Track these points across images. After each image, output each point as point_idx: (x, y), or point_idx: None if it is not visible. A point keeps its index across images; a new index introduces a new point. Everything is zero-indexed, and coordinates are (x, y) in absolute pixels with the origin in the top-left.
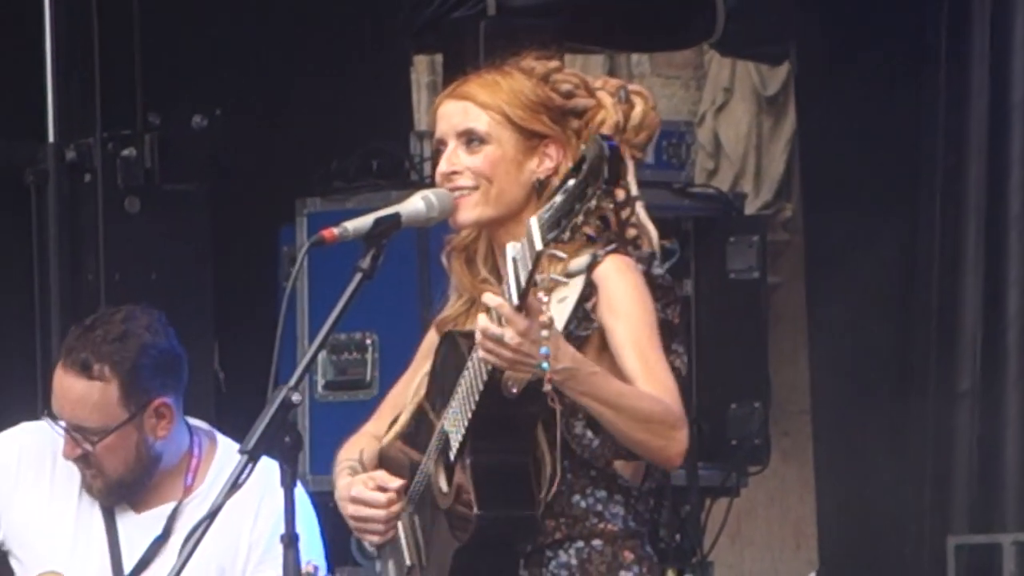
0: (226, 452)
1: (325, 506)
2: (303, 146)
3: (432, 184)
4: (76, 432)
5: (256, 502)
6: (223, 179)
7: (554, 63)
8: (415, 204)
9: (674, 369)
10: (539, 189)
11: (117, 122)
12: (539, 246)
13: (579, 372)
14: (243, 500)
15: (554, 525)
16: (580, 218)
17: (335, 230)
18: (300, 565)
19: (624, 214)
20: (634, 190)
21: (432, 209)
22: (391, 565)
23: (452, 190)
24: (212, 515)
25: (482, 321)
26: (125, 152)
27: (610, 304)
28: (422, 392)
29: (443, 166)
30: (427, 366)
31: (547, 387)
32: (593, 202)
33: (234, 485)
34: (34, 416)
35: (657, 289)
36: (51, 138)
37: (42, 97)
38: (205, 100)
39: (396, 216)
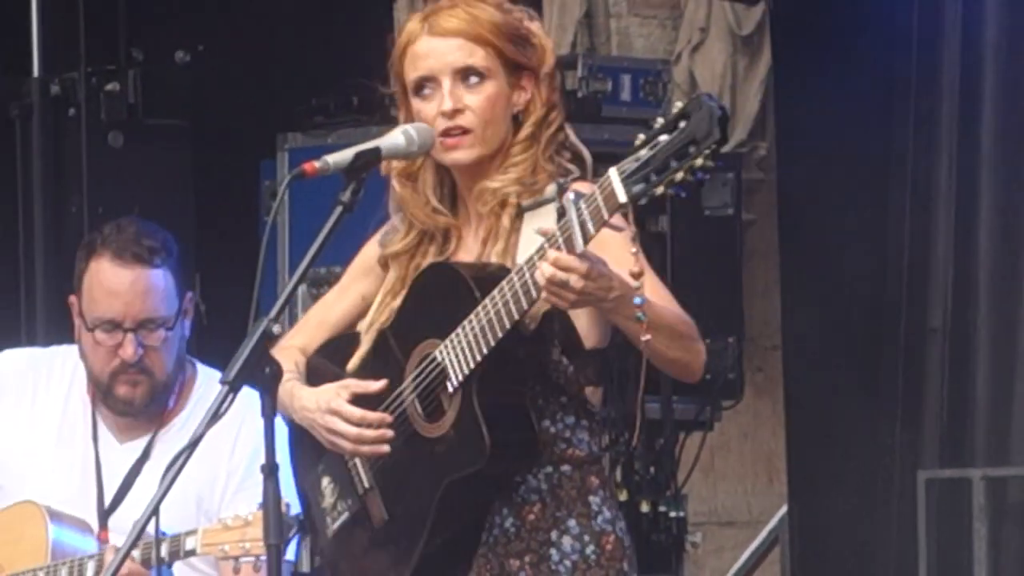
0: (206, 381)
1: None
2: (285, 81)
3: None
4: (143, 328)
5: (235, 432)
6: (205, 114)
7: None
8: (395, 138)
9: None
10: (514, 122)
11: (101, 57)
12: (622, 199)
13: (622, 299)
14: (222, 430)
15: None
16: (680, 175)
17: (316, 163)
18: (280, 494)
19: (560, 137)
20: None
21: (412, 143)
22: (325, 481)
23: (453, 128)
24: (193, 445)
25: (547, 270)
26: (109, 87)
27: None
28: (381, 319)
29: (447, 103)
30: (363, 287)
31: (643, 324)
32: (699, 160)
33: (215, 415)
34: (16, 343)
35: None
36: (36, 72)
37: (27, 32)
38: (188, 36)
39: (376, 150)
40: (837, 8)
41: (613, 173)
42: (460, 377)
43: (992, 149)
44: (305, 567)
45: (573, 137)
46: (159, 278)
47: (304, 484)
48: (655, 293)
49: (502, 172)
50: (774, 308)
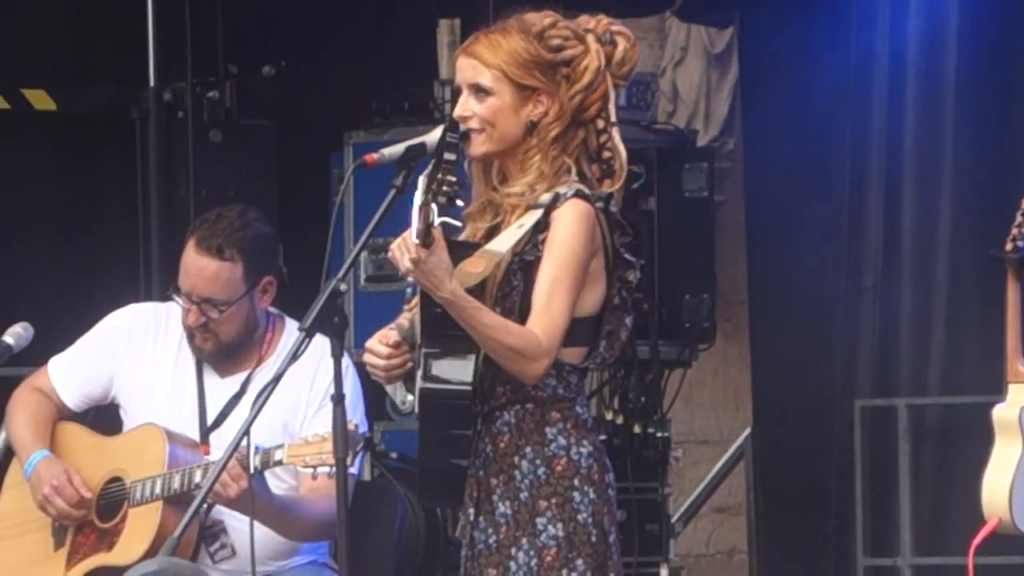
0: (292, 330)
1: (366, 374)
2: (350, 90)
3: None
4: (205, 303)
5: (314, 369)
6: (287, 116)
7: (549, 19)
8: (437, 135)
9: (627, 282)
10: (531, 128)
11: (204, 71)
12: (419, 202)
13: (455, 304)
14: (302, 368)
15: (502, 391)
16: (435, 185)
17: (374, 155)
18: (347, 419)
19: (603, 138)
20: (613, 118)
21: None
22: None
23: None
24: (276, 379)
25: (395, 242)
26: (210, 94)
27: (550, 242)
28: None
29: (458, 110)
30: None
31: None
32: (440, 174)
33: (294, 356)
34: (137, 299)
35: (613, 224)
36: (152, 83)
37: (145, 51)
38: (273, 54)
39: (422, 145)
40: (790, 33)
41: (420, 180)
42: (417, 331)
43: (913, 148)
44: (367, 477)
45: (616, 142)
46: (225, 270)
47: None
48: (545, 310)
49: (522, 175)
50: (740, 271)
